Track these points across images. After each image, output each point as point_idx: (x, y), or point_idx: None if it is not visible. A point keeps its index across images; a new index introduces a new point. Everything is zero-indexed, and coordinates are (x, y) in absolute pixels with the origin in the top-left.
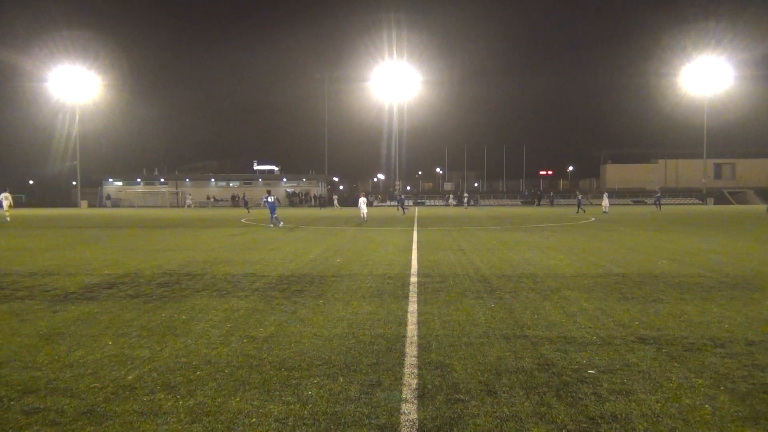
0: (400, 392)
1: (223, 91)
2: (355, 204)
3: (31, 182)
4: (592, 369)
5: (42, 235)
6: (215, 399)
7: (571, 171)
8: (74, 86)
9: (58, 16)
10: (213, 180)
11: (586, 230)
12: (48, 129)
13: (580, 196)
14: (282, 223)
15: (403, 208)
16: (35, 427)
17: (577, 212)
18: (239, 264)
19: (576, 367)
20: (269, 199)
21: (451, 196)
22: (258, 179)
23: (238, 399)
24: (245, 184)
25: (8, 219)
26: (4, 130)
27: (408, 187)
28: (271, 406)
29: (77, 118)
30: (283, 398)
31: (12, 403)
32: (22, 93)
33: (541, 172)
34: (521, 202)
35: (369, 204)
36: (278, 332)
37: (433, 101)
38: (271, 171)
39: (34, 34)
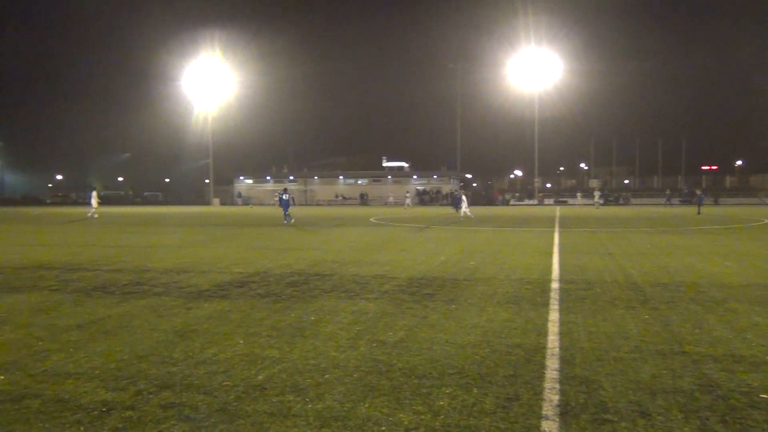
0: (540, 408)
1: (352, 85)
2: (498, 203)
3: (167, 180)
4: (765, 393)
5: (177, 233)
6: (344, 404)
7: (739, 166)
8: (208, 85)
9: (191, 16)
10: (341, 177)
11: (759, 234)
12: (183, 128)
13: (700, 194)
14: (293, 220)
15: (456, 208)
16: (171, 422)
17: (699, 213)
18: (368, 265)
19: (745, 390)
20: (284, 197)
21: (597, 194)
22: (387, 176)
23: (367, 405)
24: (374, 181)
25: (96, 216)
26: (143, 131)
27: (548, 185)
28: (401, 415)
29: (210, 117)
30: (413, 407)
31: (151, 396)
32: (158, 94)
33: (704, 168)
34: (679, 201)
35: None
36: (408, 337)
37: (576, 90)
38: (401, 168)
39: (168, 35)
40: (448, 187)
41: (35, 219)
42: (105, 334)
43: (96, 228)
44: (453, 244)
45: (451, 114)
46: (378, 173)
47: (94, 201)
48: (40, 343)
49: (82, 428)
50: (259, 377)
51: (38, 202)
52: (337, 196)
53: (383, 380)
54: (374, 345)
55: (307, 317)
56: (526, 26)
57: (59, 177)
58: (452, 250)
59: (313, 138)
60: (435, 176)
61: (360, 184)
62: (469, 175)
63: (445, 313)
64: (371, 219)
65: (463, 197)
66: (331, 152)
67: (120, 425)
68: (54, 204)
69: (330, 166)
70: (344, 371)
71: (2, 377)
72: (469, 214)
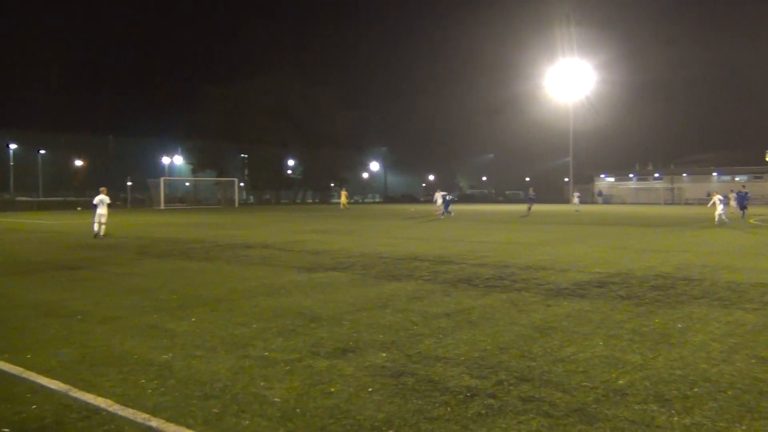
0: None
1: (730, 73)
2: None
3: (527, 179)
4: None
5: (535, 230)
6: (715, 422)
7: None
8: (569, 84)
9: (553, 17)
10: (715, 174)
11: None
12: (544, 128)
13: None
14: (443, 216)
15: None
16: (530, 415)
17: None
18: (745, 271)
19: None
20: (447, 197)
21: None
22: None
23: (744, 427)
24: (755, 177)
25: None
26: (506, 132)
27: None
28: None
29: (572, 115)
30: None
31: (510, 387)
32: (521, 95)
33: None
34: None
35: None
36: None
37: None
38: None
39: (530, 37)
40: None
41: (411, 215)
42: (469, 323)
43: (458, 224)
44: None
45: None
46: (760, 168)
47: (439, 201)
48: (414, 327)
49: (449, 409)
50: (620, 381)
51: (413, 200)
52: (708, 195)
53: (764, 402)
54: (753, 361)
55: (673, 324)
56: None
57: (431, 177)
58: None
59: (681, 133)
60: None
61: (737, 182)
62: None
63: None
64: (750, 220)
65: (716, 199)
66: (704, 147)
67: (483, 411)
68: (426, 202)
69: (701, 162)
70: (716, 386)
71: (384, 354)
72: (724, 218)
